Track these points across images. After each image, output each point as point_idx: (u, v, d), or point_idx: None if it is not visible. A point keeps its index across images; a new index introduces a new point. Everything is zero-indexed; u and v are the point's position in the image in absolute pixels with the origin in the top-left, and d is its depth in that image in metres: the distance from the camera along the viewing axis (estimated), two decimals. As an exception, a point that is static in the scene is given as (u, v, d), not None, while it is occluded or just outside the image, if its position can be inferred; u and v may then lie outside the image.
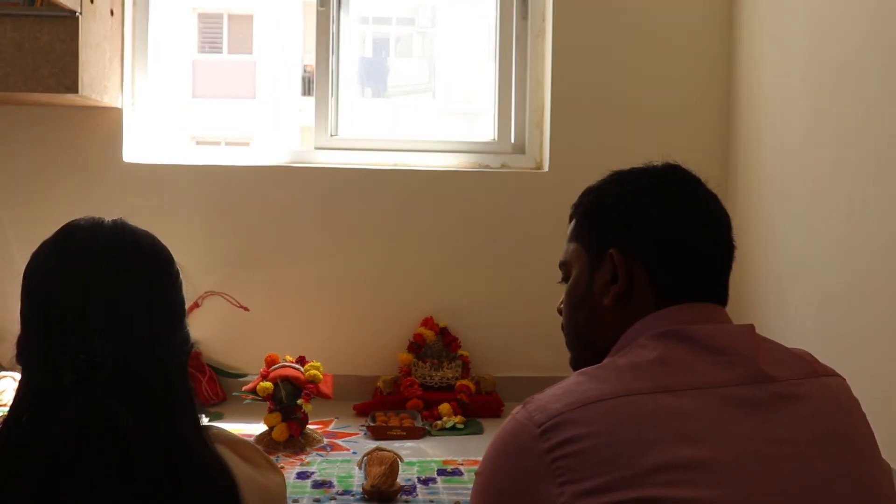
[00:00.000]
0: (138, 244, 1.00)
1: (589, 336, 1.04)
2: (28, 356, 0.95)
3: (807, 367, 0.94)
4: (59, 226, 1.00)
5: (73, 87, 2.60)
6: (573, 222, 1.08)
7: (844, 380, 0.98)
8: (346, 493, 2.13)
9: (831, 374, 0.96)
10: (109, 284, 0.95)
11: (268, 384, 2.50)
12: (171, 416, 0.94)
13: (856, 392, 0.98)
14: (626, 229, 1.00)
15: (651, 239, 0.99)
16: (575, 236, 1.07)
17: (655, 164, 1.06)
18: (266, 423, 2.51)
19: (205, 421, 2.63)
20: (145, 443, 0.88)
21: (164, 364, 0.97)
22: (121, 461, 0.86)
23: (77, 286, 0.94)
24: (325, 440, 2.55)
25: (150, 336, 0.96)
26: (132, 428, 0.88)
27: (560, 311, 1.10)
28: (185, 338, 1.02)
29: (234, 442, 1.00)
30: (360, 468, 2.17)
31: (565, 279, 1.08)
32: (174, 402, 0.96)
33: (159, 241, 1.04)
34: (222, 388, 2.93)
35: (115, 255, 0.97)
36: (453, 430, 2.69)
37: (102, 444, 0.86)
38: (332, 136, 3.15)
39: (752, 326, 0.96)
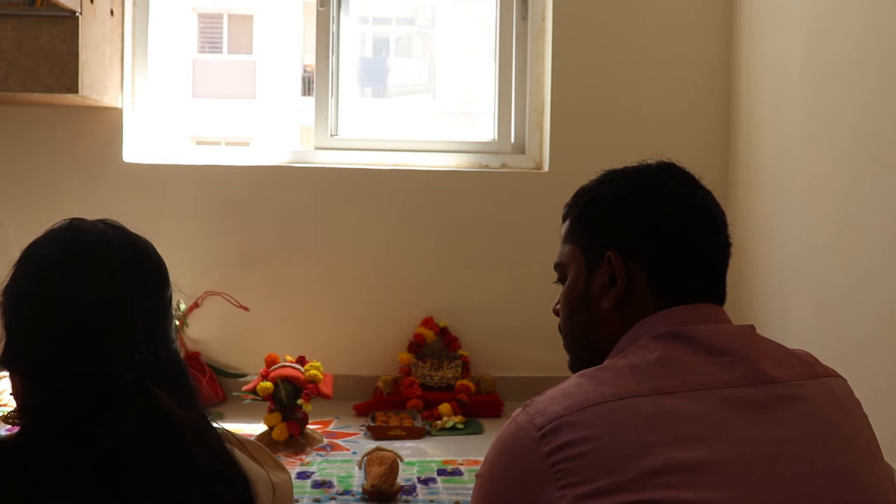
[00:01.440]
0: (144, 242, 1.01)
1: (588, 338, 1.04)
2: (31, 358, 0.92)
3: (808, 368, 0.94)
4: None
5: (73, 87, 2.60)
6: (567, 223, 1.07)
7: (846, 381, 0.97)
8: (346, 493, 2.13)
9: (832, 374, 0.96)
10: (137, 279, 0.96)
11: (268, 384, 2.50)
12: (202, 408, 0.98)
13: (855, 391, 0.98)
14: (623, 231, 1.00)
15: (649, 240, 0.98)
16: (570, 238, 1.06)
17: (650, 162, 1.06)
18: (266, 423, 2.51)
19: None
20: (197, 434, 0.91)
21: (182, 360, 1.00)
22: (179, 453, 0.88)
23: (111, 280, 0.94)
24: (325, 440, 2.55)
25: (170, 333, 0.99)
26: (186, 422, 0.90)
27: (556, 313, 1.09)
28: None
29: (242, 442, 1.00)
30: (360, 468, 2.17)
31: (561, 280, 1.08)
32: (198, 396, 1.00)
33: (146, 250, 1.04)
34: (222, 388, 2.93)
35: (134, 251, 0.98)
36: (453, 430, 2.69)
37: (162, 439, 0.88)
38: (332, 136, 3.15)
39: (752, 327, 0.95)
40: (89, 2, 2.67)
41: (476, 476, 0.93)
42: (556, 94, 3.04)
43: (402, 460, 2.20)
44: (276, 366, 2.59)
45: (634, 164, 1.06)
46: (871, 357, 2.12)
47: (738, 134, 3.03)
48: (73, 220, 0.99)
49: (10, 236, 2.92)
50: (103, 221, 1.00)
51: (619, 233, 1.00)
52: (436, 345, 3.00)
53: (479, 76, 10.61)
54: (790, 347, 0.98)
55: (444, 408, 2.77)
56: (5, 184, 2.95)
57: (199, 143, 11.47)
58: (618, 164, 1.08)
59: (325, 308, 3.02)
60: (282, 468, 1.05)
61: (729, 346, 0.91)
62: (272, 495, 0.96)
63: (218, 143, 11.34)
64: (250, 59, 13.23)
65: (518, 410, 0.90)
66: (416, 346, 2.98)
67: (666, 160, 1.06)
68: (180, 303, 2.84)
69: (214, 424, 0.99)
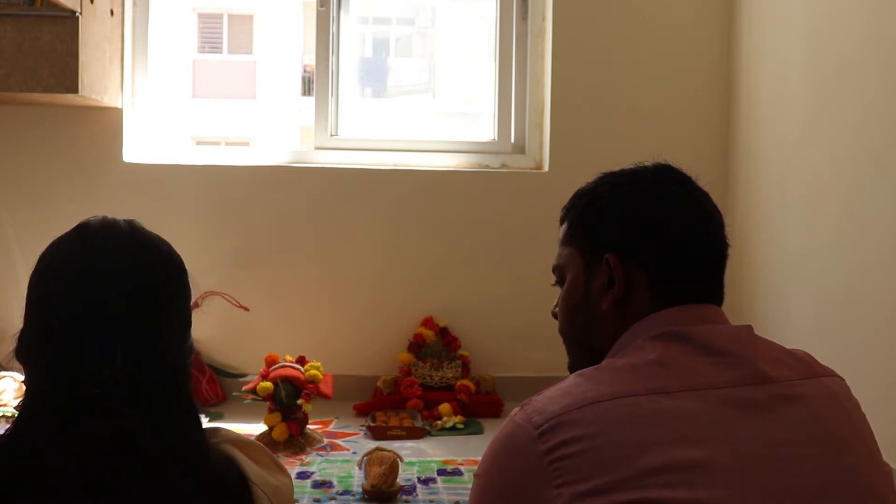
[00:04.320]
0: (157, 248, 0.97)
1: (587, 339, 1.04)
2: (35, 360, 0.92)
3: (806, 368, 0.94)
4: (59, 226, 0.99)
5: (73, 87, 2.60)
6: (565, 225, 1.08)
7: (844, 380, 0.97)
8: (346, 493, 2.13)
9: (831, 374, 0.96)
10: (130, 290, 0.92)
11: (268, 384, 2.50)
12: (185, 424, 0.94)
13: (855, 392, 0.98)
14: (622, 233, 1.00)
15: (648, 241, 0.99)
16: (568, 240, 1.06)
17: (646, 164, 1.06)
18: (266, 423, 2.51)
19: (205, 421, 2.63)
20: (166, 455, 0.88)
21: (177, 372, 0.96)
22: (143, 474, 0.85)
23: (98, 290, 0.91)
24: (325, 440, 2.55)
25: (165, 344, 0.94)
26: (153, 441, 0.87)
27: (555, 315, 1.09)
28: (190, 345, 1.01)
29: (243, 443, 0.99)
30: (360, 468, 2.17)
31: (559, 283, 1.08)
32: (188, 410, 0.95)
33: (172, 247, 1.02)
34: (222, 388, 2.93)
35: (135, 260, 0.94)
36: (453, 430, 2.69)
37: (125, 460, 0.85)
38: (332, 136, 3.15)
39: (750, 327, 0.95)
40: (89, 2, 2.67)
41: (474, 475, 0.93)
42: (556, 94, 3.04)
43: (402, 460, 2.20)
44: (276, 366, 2.59)
45: (631, 167, 1.06)
46: (871, 357, 2.12)
47: (738, 134, 3.03)
48: (106, 219, 0.97)
49: (10, 236, 2.93)
50: (132, 224, 0.98)
51: (617, 235, 1.00)
52: (436, 345, 3.00)
53: (479, 76, 10.62)
54: (789, 347, 0.98)
55: (444, 408, 2.77)
56: (5, 184, 2.95)
57: (199, 143, 11.47)
58: (618, 163, 1.09)
59: (324, 308, 3.02)
60: (283, 471, 1.03)
61: (727, 346, 0.91)
62: (273, 499, 0.95)
63: (218, 143, 11.34)
64: (250, 59, 13.24)
65: (516, 410, 0.90)
66: (416, 346, 2.98)
67: (663, 161, 1.06)
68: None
69: (212, 433, 0.97)
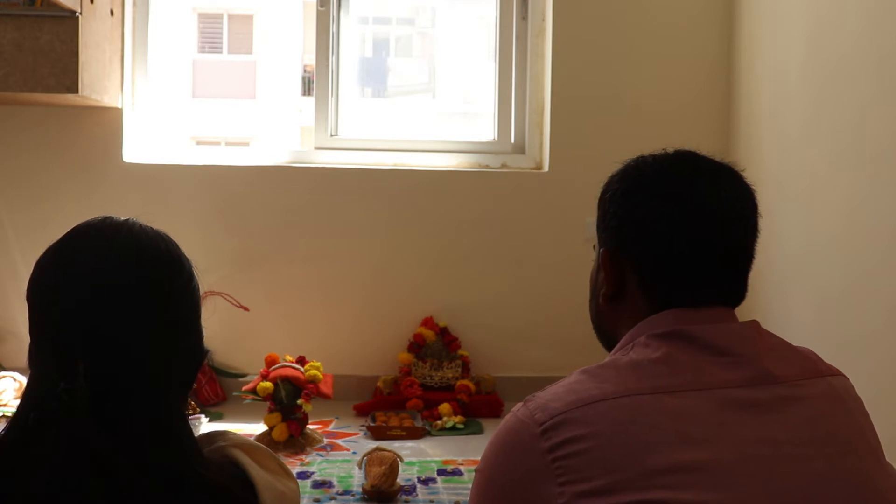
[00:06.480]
0: (136, 255, 0.93)
1: (600, 328, 1.06)
2: (28, 367, 0.92)
3: (811, 367, 0.94)
4: (59, 226, 0.97)
5: (73, 87, 2.60)
6: None
7: (848, 379, 0.97)
8: (346, 493, 2.12)
9: (835, 373, 0.96)
10: (96, 303, 0.88)
11: (268, 384, 2.50)
12: (168, 437, 0.89)
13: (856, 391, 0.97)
14: (614, 228, 1.00)
15: (637, 240, 0.97)
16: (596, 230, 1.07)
17: (666, 151, 1.03)
18: (266, 423, 2.51)
19: (205, 421, 2.63)
20: (136, 473, 0.83)
21: (162, 381, 0.91)
22: (107, 495, 0.81)
23: (61, 305, 0.88)
24: (325, 440, 2.55)
25: (146, 354, 0.90)
26: (117, 459, 0.83)
27: None
28: (193, 349, 0.98)
29: (250, 447, 0.98)
30: (360, 468, 2.17)
31: None
32: (172, 423, 0.90)
33: (169, 247, 0.98)
34: (222, 388, 2.93)
35: (107, 270, 0.90)
36: (453, 430, 2.68)
37: (85, 479, 0.81)
38: (332, 136, 3.15)
39: (755, 322, 0.95)
40: (89, 2, 2.67)
41: (475, 471, 0.93)
42: (556, 93, 3.04)
43: (402, 460, 2.20)
44: (276, 366, 2.59)
45: (650, 154, 1.03)
46: (871, 357, 2.12)
47: (738, 133, 3.03)
48: (97, 224, 0.94)
49: (10, 236, 2.92)
50: (120, 228, 0.94)
51: (610, 230, 1.00)
52: (436, 345, 2.99)
53: (479, 76, 10.62)
54: (795, 346, 0.98)
55: (444, 408, 2.77)
56: (5, 184, 2.95)
57: (199, 143, 11.47)
58: (618, 163, 1.08)
59: (324, 308, 3.02)
60: (290, 476, 1.01)
61: (731, 345, 0.91)
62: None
63: (218, 143, 11.34)
64: (250, 59, 13.24)
65: (518, 405, 0.90)
66: (416, 346, 2.97)
67: (683, 151, 1.03)
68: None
69: (219, 436, 0.95)
